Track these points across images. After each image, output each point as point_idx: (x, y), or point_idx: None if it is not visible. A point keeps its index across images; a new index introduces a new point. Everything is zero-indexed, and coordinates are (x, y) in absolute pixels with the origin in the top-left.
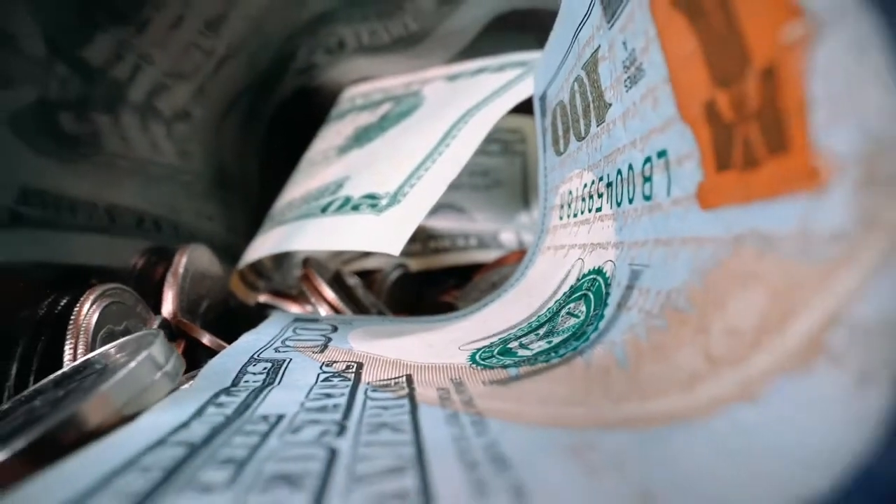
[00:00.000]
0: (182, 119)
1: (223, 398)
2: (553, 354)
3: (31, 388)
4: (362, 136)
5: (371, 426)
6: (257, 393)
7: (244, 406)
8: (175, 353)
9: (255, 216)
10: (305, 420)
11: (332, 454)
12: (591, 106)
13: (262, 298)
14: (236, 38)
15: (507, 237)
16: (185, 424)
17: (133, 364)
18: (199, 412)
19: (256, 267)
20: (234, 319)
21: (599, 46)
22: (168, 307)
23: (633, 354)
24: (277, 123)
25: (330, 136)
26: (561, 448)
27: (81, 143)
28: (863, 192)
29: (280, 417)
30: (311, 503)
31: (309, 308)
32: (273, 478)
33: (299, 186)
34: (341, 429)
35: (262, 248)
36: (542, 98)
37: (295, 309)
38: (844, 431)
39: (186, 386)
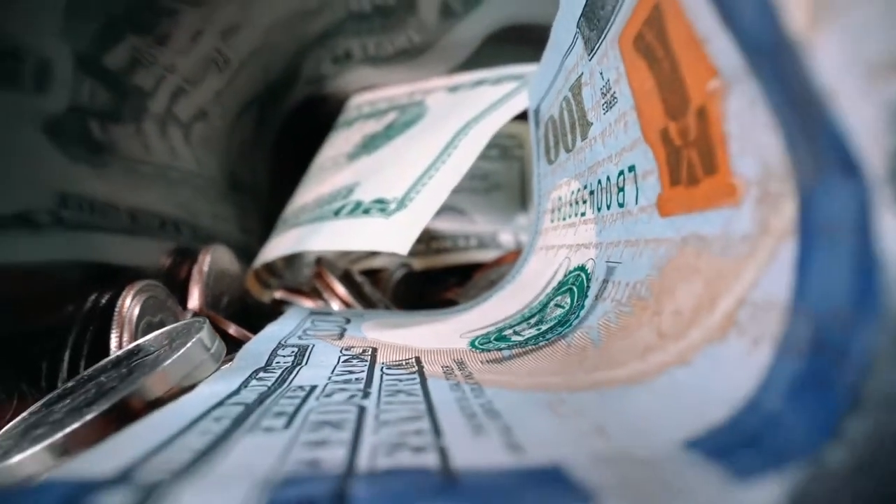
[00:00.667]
0: (199, 126)
1: (261, 374)
2: (541, 339)
3: (92, 369)
4: (370, 144)
5: (389, 392)
6: (289, 371)
7: (281, 380)
8: (218, 338)
9: (266, 218)
10: (335, 388)
11: (361, 410)
12: (577, 123)
13: (278, 295)
14: (250, 49)
15: (506, 238)
16: (236, 392)
17: (188, 345)
18: (245, 384)
19: (270, 266)
20: (251, 314)
21: (582, 73)
22: (194, 302)
23: (605, 335)
24: (287, 129)
25: (339, 143)
26: (540, 404)
27: (109, 149)
28: (759, 206)
29: (313, 387)
30: (351, 438)
31: (321, 303)
32: (319, 423)
33: (311, 191)
34: (365, 394)
35: (278, 248)
36: (536, 111)
37: (308, 304)
38: (741, 380)
39: (226, 367)
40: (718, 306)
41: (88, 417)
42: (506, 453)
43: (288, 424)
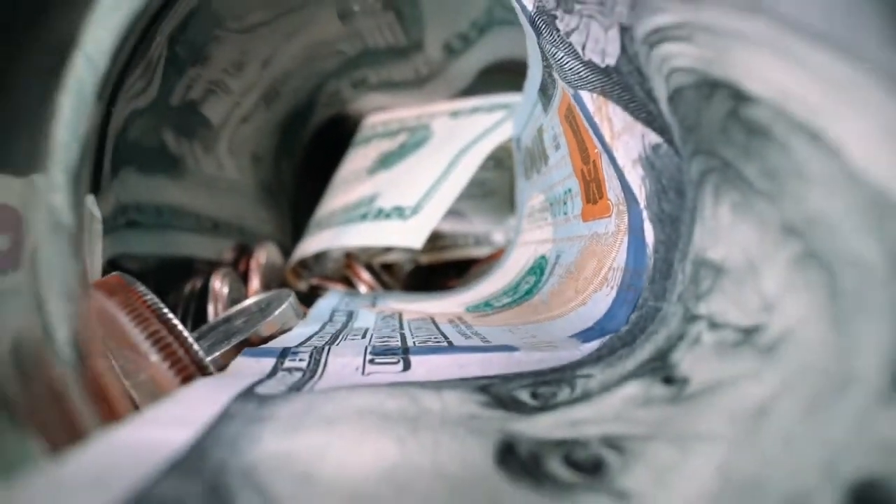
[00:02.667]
0: (240, 142)
1: (328, 324)
2: (513, 303)
3: (211, 322)
4: (386, 161)
5: (415, 327)
6: (346, 323)
7: (343, 325)
8: (297, 301)
9: (294, 220)
10: (381, 327)
11: (402, 334)
12: (541, 155)
13: (314, 282)
14: (284, 76)
15: (498, 237)
16: (320, 329)
17: (284, 306)
18: (322, 327)
19: (303, 261)
20: None
21: (542, 123)
22: (255, 285)
23: (550, 296)
24: (312, 144)
25: (358, 159)
26: (504, 329)
27: (180, 162)
28: (617, 217)
29: (367, 328)
30: (399, 339)
31: (350, 288)
32: (380, 337)
33: (338, 199)
34: (401, 328)
35: (314, 245)
36: (518, 139)
37: (340, 289)
38: (604, 305)
39: (303, 321)
40: (601, 272)
41: (234, 342)
42: (483, 343)
43: (363, 336)
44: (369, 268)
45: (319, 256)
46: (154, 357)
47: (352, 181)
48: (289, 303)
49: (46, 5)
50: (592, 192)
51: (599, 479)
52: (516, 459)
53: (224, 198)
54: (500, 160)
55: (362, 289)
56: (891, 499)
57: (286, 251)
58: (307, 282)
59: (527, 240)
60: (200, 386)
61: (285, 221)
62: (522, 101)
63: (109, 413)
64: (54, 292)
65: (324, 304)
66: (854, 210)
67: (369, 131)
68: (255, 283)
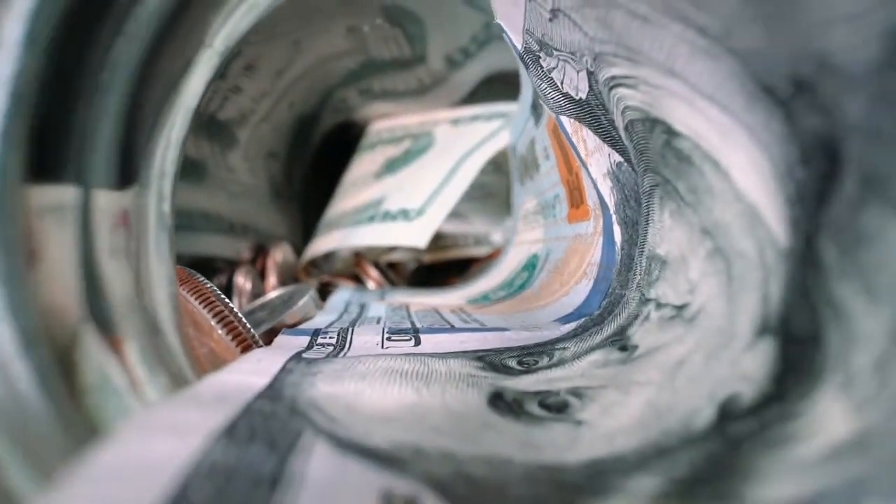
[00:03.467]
0: (253, 147)
1: (345, 314)
2: (508, 297)
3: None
4: (392, 166)
5: (423, 316)
6: (360, 313)
7: (358, 315)
8: (317, 294)
9: (303, 221)
10: (391, 316)
11: (412, 322)
12: (533, 163)
13: (325, 279)
14: (294, 85)
15: (497, 237)
16: (339, 318)
17: (306, 297)
18: (340, 316)
19: (313, 260)
20: None
21: (534, 136)
22: (272, 282)
23: (539, 289)
24: (319, 148)
25: (365, 164)
26: (498, 317)
27: (201, 167)
28: (594, 220)
29: (380, 317)
30: (410, 324)
31: (359, 285)
32: (394, 322)
33: (346, 201)
34: (409, 317)
35: (325, 244)
36: (514, 148)
37: (350, 285)
38: (583, 295)
39: (321, 311)
40: (582, 267)
41: (262, 329)
42: (480, 326)
43: (378, 322)
44: (376, 266)
45: (329, 255)
46: (220, 332)
47: (359, 185)
48: (309, 295)
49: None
50: (576, 198)
51: (563, 415)
52: (503, 402)
53: (240, 201)
54: (498, 164)
55: (371, 285)
56: (740, 404)
57: (297, 250)
58: (318, 279)
59: (521, 240)
60: (260, 352)
61: (296, 223)
62: (517, 114)
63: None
64: (162, 283)
65: (338, 298)
66: (739, 218)
67: (375, 137)
68: (272, 279)
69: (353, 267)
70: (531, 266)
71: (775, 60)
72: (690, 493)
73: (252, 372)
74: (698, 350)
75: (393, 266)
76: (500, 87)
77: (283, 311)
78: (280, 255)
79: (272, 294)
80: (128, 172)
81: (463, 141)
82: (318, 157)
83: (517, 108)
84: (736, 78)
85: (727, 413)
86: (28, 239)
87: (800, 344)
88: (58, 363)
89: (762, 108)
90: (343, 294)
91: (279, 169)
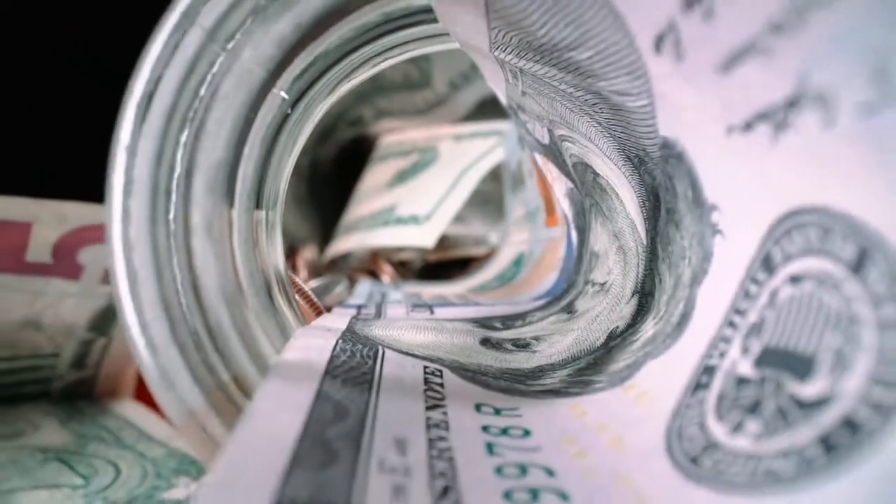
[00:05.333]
0: None
1: (371, 299)
2: (500, 286)
3: None
4: (402, 177)
5: (434, 300)
6: (383, 298)
7: (381, 300)
8: (349, 283)
9: (323, 225)
10: (408, 300)
11: (426, 303)
12: (522, 178)
13: (349, 273)
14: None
15: (493, 238)
16: (366, 302)
17: (341, 286)
18: (367, 300)
19: (333, 258)
20: None
21: (522, 157)
22: (303, 276)
23: (524, 279)
24: (335, 159)
25: (377, 175)
26: (492, 299)
27: None
28: (562, 226)
29: (400, 300)
30: (429, 324)
31: (374, 279)
32: (412, 303)
33: (362, 207)
34: (422, 299)
35: (345, 245)
36: (507, 164)
37: (366, 279)
38: (553, 280)
39: (351, 297)
40: (554, 261)
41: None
42: (476, 304)
43: (405, 304)
44: (389, 261)
45: (347, 254)
46: (301, 301)
47: (373, 193)
48: (344, 284)
49: None
50: (550, 208)
51: (526, 349)
52: (489, 343)
53: None
54: (495, 175)
55: (385, 279)
56: (616, 332)
57: (319, 250)
58: (344, 273)
59: (512, 241)
60: (329, 315)
61: (316, 226)
62: (508, 137)
63: None
64: (280, 261)
65: (362, 288)
66: (627, 227)
67: (385, 150)
68: (303, 273)
69: (370, 264)
70: (518, 262)
71: (629, 147)
72: (583, 373)
73: (333, 322)
74: (606, 308)
75: (402, 263)
76: (495, 108)
77: (324, 296)
78: (309, 253)
79: (312, 283)
80: (263, 199)
81: (464, 156)
82: (335, 167)
83: (509, 133)
84: (616, 150)
85: (610, 337)
86: (254, 233)
87: (646, 297)
88: (266, 295)
89: (629, 167)
90: (365, 286)
91: (303, 179)
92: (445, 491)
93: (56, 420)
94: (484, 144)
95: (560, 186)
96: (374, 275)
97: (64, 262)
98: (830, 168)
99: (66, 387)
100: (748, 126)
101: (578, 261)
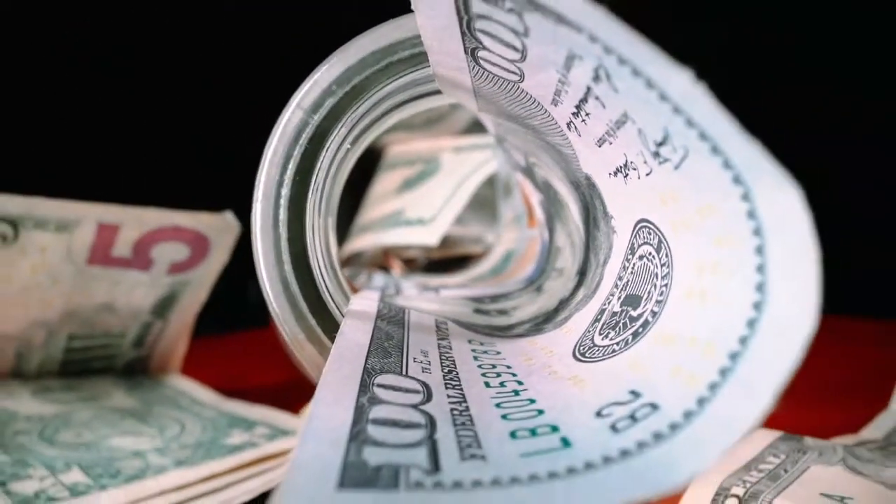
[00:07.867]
0: None
1: (391, 286)
2: (492, 277)
3: None
4: (408, 184)
5: (438, 286)
6: (396, 291)
7: (396, 292)
8: (370, 273)
9: (338, 225)
10: (421, 287)
11: (435, 289)
12: (510, 187)
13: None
14: None
15: (489, 238)
16: (384, 289)
17: (363, 276)
18: (384, 289)
19: (349, 256)
20: None
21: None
22: None
23: (511, 270)
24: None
25: (386, 182)
26: (484, 287)
27: None
28: (539, 228)
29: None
30: (436, 300)
31: (386, 273)
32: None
33: (373, 211)
34: (431, 287)
35: (359, 244)
36: (500, 173)
37: (380, 273)
38: (531, 271)
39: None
40: (532, 255)
41: None
42: (469, 287)
43: (413, 288)
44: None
45: (360, 252)
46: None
47: (383, 198)
48: (364, 275)
49: None
50: (531, 213)
51: (505, 313)
52: (480, 311)
53: None
54: (491, 181)
55: (395, 273)
56: (562, 300)
57: None
58: (360, 267)
59: (503, 240)
60: (361, 295)
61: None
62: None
63: None
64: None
65: (378, 279)
66: (575, 230)
67: (392, 159)
68: None
69: (382, 260)
70: (508, 258)
71: (570, 175)
72: (539, 324)
73: (368, 297)
74: (560, 285)
75: (410, 260)
76: None
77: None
78: None
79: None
80: (330, 210)
81: (463, 167)
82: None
83: None
84: (565, 177)
85: (560, 302)
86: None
87: (582, 275)
88: (335, 273)
89: (572, 189)
90: (380, 278)
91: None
92: (450, 371)
93: (122, 390)
94: (481, 155)
95: (535, 197)
96: (385, 270)
97: (139, 256)
98: (651, 196)
99: (127, 363)
100: (615, 173)
101: (548, 254)
